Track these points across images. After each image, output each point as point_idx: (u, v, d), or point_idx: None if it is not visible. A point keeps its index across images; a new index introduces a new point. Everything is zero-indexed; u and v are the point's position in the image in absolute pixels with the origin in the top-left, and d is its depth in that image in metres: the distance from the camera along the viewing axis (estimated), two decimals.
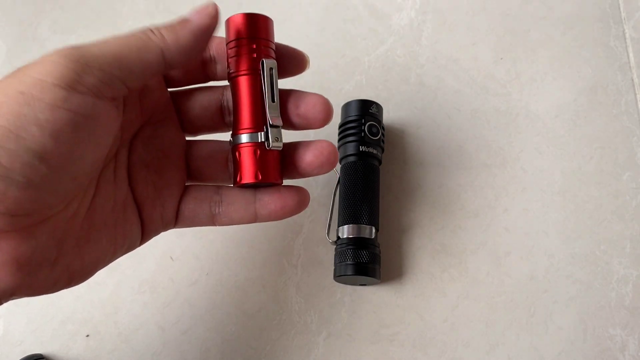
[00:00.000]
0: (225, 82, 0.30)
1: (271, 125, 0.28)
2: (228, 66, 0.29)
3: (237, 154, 0.29)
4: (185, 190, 0.31)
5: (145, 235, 0.29)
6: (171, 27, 0.25)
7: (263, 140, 0.28)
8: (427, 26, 0.48)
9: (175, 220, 0.30)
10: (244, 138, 0.29)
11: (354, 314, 0.38)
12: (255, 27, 0.29)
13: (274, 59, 0.29)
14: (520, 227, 0.40)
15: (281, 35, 0.28)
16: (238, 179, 0.29)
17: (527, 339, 0.37)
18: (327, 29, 0.49)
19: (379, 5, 0.50)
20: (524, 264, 0.39)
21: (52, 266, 0.24)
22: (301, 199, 0.30)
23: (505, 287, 0.38)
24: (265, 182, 0.29)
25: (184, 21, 0.26)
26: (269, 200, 0.29)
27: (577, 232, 0.40)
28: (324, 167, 0.30)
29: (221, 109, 0.31)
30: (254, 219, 0.30)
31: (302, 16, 0.50)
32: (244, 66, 0.28)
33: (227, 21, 0.29)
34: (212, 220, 0.30)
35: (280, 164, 0.30)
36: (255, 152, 0.28)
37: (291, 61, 0.30)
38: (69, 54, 0.22)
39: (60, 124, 0.21)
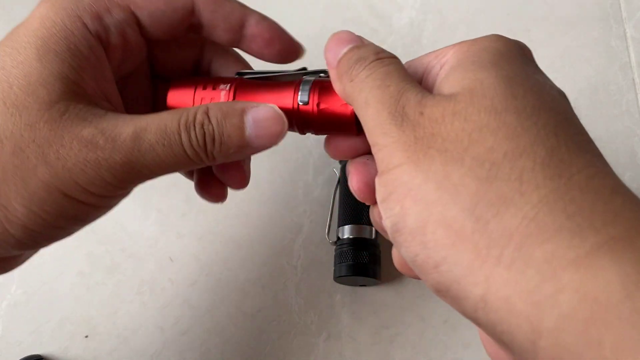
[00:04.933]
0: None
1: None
2: None
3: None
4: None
5: None
6: (226, 149, 0.23)
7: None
8: (427, 26, 0.48)
9: None
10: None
11: (354, 314, 0.38)
12: None
13: None
14: None
15: None
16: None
17: None
18: (327, 29, 0.49)
19: (379, 5, 0.49)
20: None
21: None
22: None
23: None
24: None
25: (244, 147, 0.23)
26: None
27: None
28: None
29: (196, 71, 0.29)
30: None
31: (302, 16, 0.49)
32: None
33: None
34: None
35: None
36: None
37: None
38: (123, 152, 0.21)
39: (84, 211, 0.23)
